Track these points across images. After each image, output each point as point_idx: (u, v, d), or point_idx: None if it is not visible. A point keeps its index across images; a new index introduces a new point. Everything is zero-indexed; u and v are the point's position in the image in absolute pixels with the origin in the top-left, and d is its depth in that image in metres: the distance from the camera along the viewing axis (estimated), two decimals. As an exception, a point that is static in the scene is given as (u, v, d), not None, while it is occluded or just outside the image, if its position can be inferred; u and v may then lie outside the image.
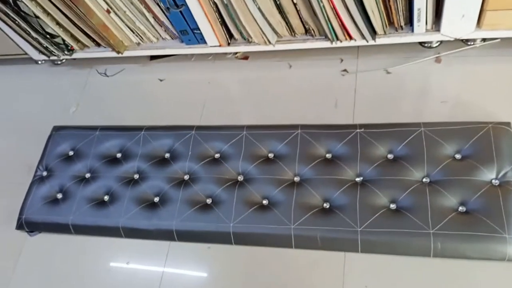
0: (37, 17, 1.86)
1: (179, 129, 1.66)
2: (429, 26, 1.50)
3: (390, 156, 1.41)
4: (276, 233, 1.38)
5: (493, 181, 1.29)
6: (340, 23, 1.51)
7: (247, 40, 1.75)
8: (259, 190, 1.46)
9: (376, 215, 1.32)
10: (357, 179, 1.40)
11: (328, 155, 1.46)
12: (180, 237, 1.49)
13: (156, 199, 1.55)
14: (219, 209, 1.46)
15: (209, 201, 1.49)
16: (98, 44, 2.00)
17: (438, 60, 1.59)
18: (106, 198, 1.61)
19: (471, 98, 1.49)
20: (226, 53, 1.91)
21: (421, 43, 1.64)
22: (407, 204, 1.32)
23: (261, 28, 1.63)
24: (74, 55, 2.06)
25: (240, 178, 1.50)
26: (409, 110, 1.54)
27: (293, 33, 1.69)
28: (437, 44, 1.62)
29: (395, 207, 1.33)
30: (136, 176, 1.62)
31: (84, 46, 2.03)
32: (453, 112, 1.48)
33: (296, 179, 1.45)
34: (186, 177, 1.56)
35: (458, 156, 1.35)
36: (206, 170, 1.55)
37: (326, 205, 1.38)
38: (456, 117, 1.44)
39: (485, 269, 1.25)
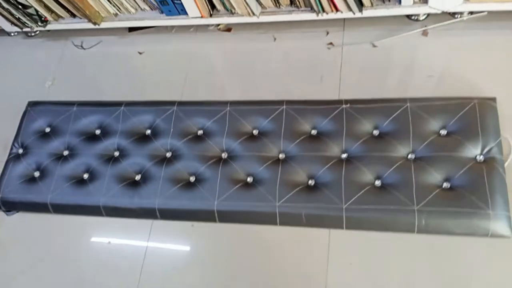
0: (6, -15, 1.76)
1: (160, 105, 1.61)
2: (417, -2, 1.46)
3: (375, 132, 1.39)
4: (261, 211, 1.37)
5: (477, 157, 1.29)
6: (326, -6, 1.46)
7: (230, 11, 1.68)
8: (243, 168, 1.43)
9: (361, 192, 1.31)
10: (343, 155, 1.38)
11: (313, 132, 1.43)
12: (163, 215, 1.46)
13: (138, 177, 1.52)
14: (202, 187, 1.43)
15: (192, 179, 1.46)
16: (74, 15, 1.90)
17: (425, 33, 1.56)
18: (85, 176, 1.56)
19: (457, 72, 1.47)
20: (208, 25, 1.84)
21: (408, 16, 1.60)
22: (392, 181, 1.32)
23: (244, -1, 1.56)
24: (48, 27, 1.96)
25: (224, 155, 1.47)
26: (396, 84, 1.52)
27: (278, 4, 1.63)
28: (424, 17, 1.58)
29: (380, 184, 1.32)
30: (117, 154, 1.57)
31: (58, 17, 1.93)
32: (440, 86, 1.46)
33: (281, 156, 1.42)
34: (168, 154, 1.52)
35: (443, 132, 1.34)
36: (189, 147, 1.51)
37: (311, 182, 1.36)
38: (443, 91, 1.42)
39: (469, 244, 1.27)
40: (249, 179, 1.41)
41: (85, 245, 1.55)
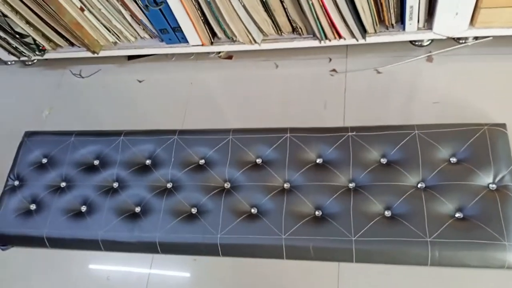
0: (5, 16, 1.74)
1: (160, 134, 1.57)
2: (421, 24, 1.45)
3: (383, 160, 1.35)
4: (267, 244, 1.31)
5: (490, 185, 1.25)
6: (329, 21, 1.45)
7: (231, 39, 1.66)
8: (247, 198, 1.38)
9: (371, 223, 1.26)
10: (350, 185, 1.33)
11: (319, 160, 1.39)
12: (164, 249, 1.40)
13: (138, 209, 1.46)
14: (205, 219, 1.38)
15: (194, 210, 1.41)
16: (72, 44, 1.88)
17: (429, 59, 1.54)
18: (83, 208, 1.51)
19: (464, 98, 1.44)
20: (209, 53, 1.83)
21: (412, 42, 1.58)
22: (402, 211, 1.27)
23: (246, 27, 1.55)
24: (46, 55, 1.94)
25: (227, 185, 1.42)
26: (401, 111, 1.49)
27: (279, 32, 1.62)
28: (428, 43, 1.57)
29: (390, 214, 1.27)
30: (115, 185, 1.52)
31: (56, 45, 1.91)
32: (446, 113, 1.43)
33: (286, 185, 1.38)
34: (169, 185, 1.47)
35: (453, 159, 1.30)
36: (190, 178, 1.46)
37: (318, 213, 1.31)
38: (449, 118, 1.38)
39: (484, 277, 1.21)
40: (253, 210, 1.36)
41: (84, 280, 1.48)
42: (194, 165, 1.48)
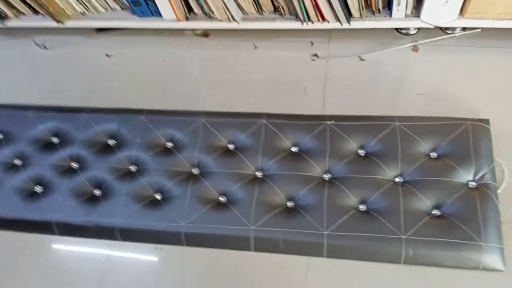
0: (-40, -26, 1.59)
1: (127, 113, 1.46)
2: (408, 11, 1.37)
3: (361, 152, 1.28)
4: (234, 235, 1.23)
5: (470, 183, 1.19)
6: (313, 2, 1.36)
7: (209, 15, 1.56)
8: (216, 186, 1.29)
9: (345, 217, 1.20)
10: (325, 176, 1.26)
11: (295, 149, 1.31)
12: (124, 236, 1.30)
13: (97, 192, 1.35)
14: (169, 206, 1.29)
15: (158, 196, 1.31)
16: (36, 12, 1.74)
17: (415, 48, 1.47)
18: (38, 189, 1.39)
19: (448, 90, 1.38)
20: (184, 29, 1.71)
21: (397, 30, 1.51)
22: (378, 206, 1.20)
23: (224, 3, 1.44)
24: (8, 24, 1.79)
25: (195, 171, 1.33)
26: (383, 101, 1.42)
27: (260, 11, 1.52)
28: (414, 32, 1.50)
29: (365, 209, 1.21)
30: (75, 165, 1.41)
31: (19, 13, 1.77)
32: (430, 105, 1.37)
33: (259, 174, 1.29)
34: (133, 168, 1.37)
35: (433, 154, 1.24)
36: (156, 161, 1.36)
37: (291, 205, 1.24)
38: (433, 111, 1.32)
39: (458, 277, 1.16)
40: (222, 199, 1.27)
41: (34, 267, 1.38)
42: (161, 148, 1.38)
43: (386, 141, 1.27)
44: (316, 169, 1.27)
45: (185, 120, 1.40)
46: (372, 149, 1.28)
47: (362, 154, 1.28)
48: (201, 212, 1.26)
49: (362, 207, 1.21)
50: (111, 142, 1.42)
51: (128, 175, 1.36)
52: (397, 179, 1.23)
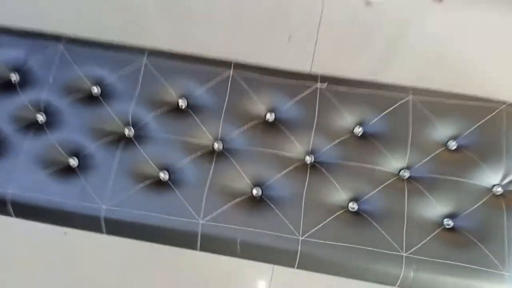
0: None
1: (40, 38, 1.02)
2: None
3: (358, 130, 0.94)
4: (175, 228, 0.88)
5: (495, 188, 0.90)
6: None
7: None
8: (156, 156, 0.93)
9: (329, 218, 0.88)
10: (308, 158, 0.93)
11: (270, 116, 0.96)
12: (18, 211, 0.93)
13: (-15, 148, 0.96)
14: (88, 179, 0.91)
15: (73, 162, 0.93)
16: None
17: (439, -1, 1.12)
18: None
19: (477, 60, 1.05)
20: None
21: (420, -29, 1.15)
22: (374, 207, 0.89)
23: None
24: None
25: (129, 132, 0.95)
26: (391, 64, 1.08)
27: None
28: (441, -24, 1.14)
29: (356, 209, 0.89)
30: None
31: None
32: (452, 77, 1.05)
33: (217, 146, 0.94)
34: (41, 117, 0.96)
35: (453, 144, 0.93)
36: (74, 111, 0.96)
37: (257, 193, 0.90)
38: (456, 85, 1.00)
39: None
40: (163, 175, 0.91)
41: None
42: (83, 93, 0.98)
43: (393, 120, 0.94)
44: (297, 148, 0.93)
45: (121, 58, 0.99)
46: (374, 129, 0.95)
47: (359, 134, 0.95)
48: (132, 191, 0.90)
49: (352, 206, 0.89)
50: (13, 77, 1.00)
51: (32, 128, 0.96)
52: (402, 173, 0.91)
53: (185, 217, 0.88)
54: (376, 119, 0.95)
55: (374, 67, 1.07)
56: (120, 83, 0.97)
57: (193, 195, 0.89)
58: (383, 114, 0.95)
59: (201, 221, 0.87)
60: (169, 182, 0.91)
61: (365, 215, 0.89)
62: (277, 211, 0.88)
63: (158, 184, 0.91)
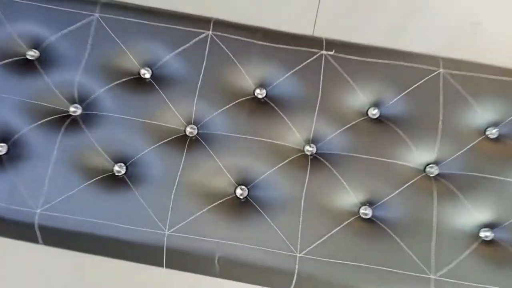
0: None
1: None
2: None
3: (374, 112, 0.73)
4: (133, 240, 0.67)
5: (547, 190, 0.71)
6: None
7: None
8: (110, 144, 0.70)
9: (336, 229, 0.67)
10: (308, 149, 0.71)
11: (260, 92, 0.73)
12: None
13: None
14: (17, 172, 0.69)
15: (2, 149, 0.71)
16: None
17: None
18: None
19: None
20: None
21: None
22: (394, 214, 0.69)
23: None
24: None
25: (75, 110, 0.72)
26: (415, 29, 0.85)
27: None
28: None
29: (370, 216, 0.69)
30: None
31: None
32: (490, 45, 0.83)
33: (190, 130, 0.71)
34: (-43, 90, 0.73)
35: (494, 132, 0.72)
36: (6, 81, 0.73)
37: (241, 193, 0.69)
38: (497, 57, 0.79)
39: None
40: (118, 169, 0.69)
41: None
42: (16, 58, 0.74)
43: (418, 100, 0.73)
44: (294, 135, 0.72)
45: (65, 12, 0.75)
46: (394, 111, 0.73)
47: (375, 117, 0.73)
48: (75, 190, 0.68)
49: (365, 212, 0.69)
50: None
51: None
52: (430, 169, 0.71)
53: (147, 225, 0.66)
54: (396, 98, 0.74)
55: (391, 31, 0.84)
56: (63, 45, 0.73)
57: (157, 197, 0.67)
58: (405, 92, 0.73)
59: (167, 232, 0.66)
60: (125, 178, 0.69)
61: (382, 224, 0.68)
62: (267, 219, 0.67)
63: (111, 180, 0.68)
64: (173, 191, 0.67)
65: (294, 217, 0.67)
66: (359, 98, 0.73)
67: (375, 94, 0.74)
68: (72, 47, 0.73)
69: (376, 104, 0.74)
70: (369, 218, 0.69)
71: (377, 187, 0.69)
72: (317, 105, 0.72)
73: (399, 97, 0.73)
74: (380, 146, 0.71)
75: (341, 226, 0.67)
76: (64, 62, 0.73)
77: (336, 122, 0.72)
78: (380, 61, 0.74)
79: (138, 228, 0.66)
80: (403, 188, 0.69)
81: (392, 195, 0.69)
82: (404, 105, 0.73)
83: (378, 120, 0.73)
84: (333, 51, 0.74)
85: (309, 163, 0.70)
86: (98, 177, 0.68)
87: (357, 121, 0.73)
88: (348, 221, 0.68)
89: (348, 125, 0.72)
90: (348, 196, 0.69)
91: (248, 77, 0.73)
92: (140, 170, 0.69)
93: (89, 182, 0.68)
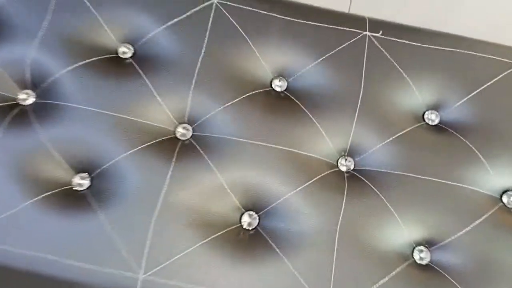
0: None
1: None
2: None
3: (431, 117, 0.54)
4: (92, 284, 0.47)
5: None
6: None
7: None
8: (70, 147, 0.50)
9: (382, 280, 0.48)
10: (343, 163, 0.52)
11: (280, 84, 0.54)
12: None
13: None
14: None
15: None
16: None
17: None
18: None
19: None
20: None
21: None
22: (459, 258, 0.50)
23: None
24: None
25: (26, 98, 0.52)
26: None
27: None
28: None
29: (427, 261, 0.49)
30: None
31: None
32: None
33: (183, 131, 0.52)
34: None
35: None
36: None
37: (250, 222, 0.49)
38: None
39: None
40: (80, 182, 0.49)
41: None
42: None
43: (494, 101, 0.54)
44: (324, 144, 0.52)
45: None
46: (458, 115, 0.54)
47: (434, 123, 0.54)
48: (19, 207, 0.48)
49: (420, 256, 0.49)
50: None
51: None
52: (506, 198, 0.52)
53: (113, 265, 0.46)
54: (464, 99, 0.55)
55: (442, 12, 0.65)
56: (18, 12, 0.54)
57: (130, 224, 0.48)
58: (476, 91, 0.54)
59: (141, 276, 0.46)
60: (88, 194, 0.49)
61: (444, 273, 0.49)
62: (284, 258, 0.48)
63: (68, 196, 0.49)
64: (154, 217, 0.47)
65: (323, 257, 0.48)
66: (414, 96, 0.54)
67: (436, 92, 0.55)
68: (26, 13, 0.54)
69: (436, 106, 0.54)
70: (426, 264, 0.49)
71: (440, 221, 0.50)
72: (358, 104, 0.53)
73: (467, 97, 0.54)
74: (443, 164, 0.52)
75: (391, 275, 0.47)
76: (14, 34, 0.54)
77: (383, 129, 0.53)
78: (442, 48, 0.55)
79: (101, 268, 0.46)
80: (475, 222, 0.50)
81: (459, 233, 0.50)
82: (474, 108, 0.54)
83: (439, 128, 0.54)
84: (380, 32, 0.55)
85: (346, 182, 0.51)
86: (50, 192, 0.48)
87: (410, 128, 0.53)
88: (400, 268, 0.48)
89: (399, 134, 0.53)
90: (399, 232, 0.49)
91: (264, 62, 0.54)
92: (109, 184, 0.49)
93: (37, 198, 0.48)
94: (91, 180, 0.49)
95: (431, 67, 0.55)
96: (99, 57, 0.53)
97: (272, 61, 0.54)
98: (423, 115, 0.54)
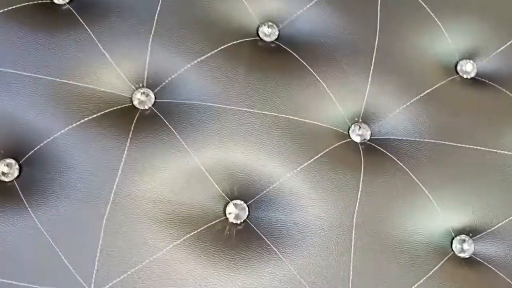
0: None
1: None
2: None
3: (466, 68, 0.42)
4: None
5: None
6: None
7: None
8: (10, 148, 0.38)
9: (417, 282, 0.37)
10: (356, 131, 0.40)
11: (268, 31, 0.41)
12: None
13: None
14: None
15: None
16: None
17: None
18: None
19: None
20: None
21: None
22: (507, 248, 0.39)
23: None
24: None
25: None
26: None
27: None
28: None
29: (471, 252, 0.38)
30: None
31: None
32: None
33: (142, 98, 0.38)
34: None
35: None
36: None
37: (237, 214, 0.37)
38: None
39: None
40: (6, 171, 0.36)
41: None
42: None
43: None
44: (331, 107, 0.40)
45: None
46: (500, 65, 0.42)
47: (470, 76, 0.42)
48: None
49: (462, 248, 0.38)
50: None
51: None
52: None
53: (56, 283, 0.34)
54: (507, 44, 0.42)
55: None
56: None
57: (74, 227, 0.35)
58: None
59: (91, 293, 0.34)
60: (15, 186, 0.36)
61: (491, 266, 0.38)
62: (283, 259, 0.36)
63: (-9, 192, 0.36)
64: (106, 213, 0.35)
65: (335, 257, 0.36)
66: (445, 43, 0.42)
67: (471, 37, 0.42)
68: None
69: (472, 55, 0.42)
70: (468, 257, 0.38)
71: (486, 202, 0.38)
72: (373, 55, 0.40)
73: (510, 42, 0.42)
74: (486, 127, 0.40)
75: (427, 276, 0.36)
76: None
77: (406, 85, 0.40)
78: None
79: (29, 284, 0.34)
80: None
81: (500, 223, 0.38)
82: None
83: (477, 81, 0.42)
84: None
85: (362, 157, 0.38)
86: None
87: (440, 83, 0.41)
88: (439, 265, 0.37)
89: (427, 91, 0.41)
90: (434, 218, 0.38)
91: (247, 3, 0.41)
92: (45, 172, 0.36)
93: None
94: (20, 167, 0.36)
95: (466, 5, 0.42)
96: (25, 4, 0.40)
97: (257, 1, 0.41)
98: (455, 66, 0.42)
